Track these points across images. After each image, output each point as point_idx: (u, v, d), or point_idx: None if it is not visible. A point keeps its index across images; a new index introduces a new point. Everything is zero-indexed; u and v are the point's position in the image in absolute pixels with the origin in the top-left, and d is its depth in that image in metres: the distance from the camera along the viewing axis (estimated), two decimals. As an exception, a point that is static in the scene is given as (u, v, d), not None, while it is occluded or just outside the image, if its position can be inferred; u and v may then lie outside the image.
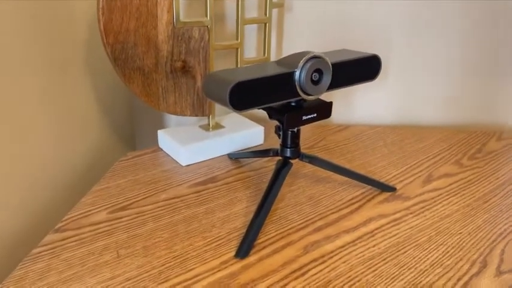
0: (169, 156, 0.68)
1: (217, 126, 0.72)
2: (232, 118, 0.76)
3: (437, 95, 0.82)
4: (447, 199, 0.57)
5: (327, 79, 0.48)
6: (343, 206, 0.55)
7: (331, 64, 0.48)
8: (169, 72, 0.62)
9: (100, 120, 0.74)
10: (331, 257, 0.46)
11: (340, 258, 0.45)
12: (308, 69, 0.46)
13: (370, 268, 0.44)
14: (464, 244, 0.48)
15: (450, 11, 0.75)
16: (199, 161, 0.67)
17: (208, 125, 0.71)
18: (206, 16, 0.62)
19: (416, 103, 0.83)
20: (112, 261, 0.45)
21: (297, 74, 0.46)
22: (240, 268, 0.44)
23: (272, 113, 0.50)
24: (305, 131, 0.79)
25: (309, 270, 0.44)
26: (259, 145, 0.73)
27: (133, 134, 0.89)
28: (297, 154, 0.54)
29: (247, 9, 0.72)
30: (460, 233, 0.50)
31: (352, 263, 0.45)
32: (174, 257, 0.45)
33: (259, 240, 0.48)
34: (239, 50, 0.68)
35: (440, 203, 0.56)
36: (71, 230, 0.50)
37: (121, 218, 0.52)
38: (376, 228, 0.50)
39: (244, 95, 0.43)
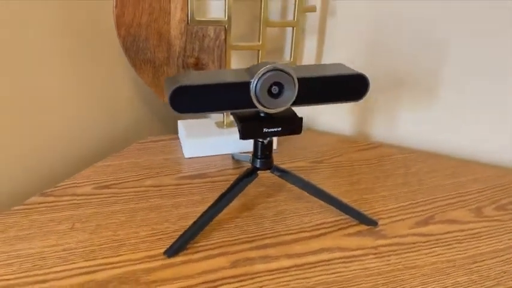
0: (180, 146, 0.71)
1: (233, 124, 0.73)
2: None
3: (506, 127, 0.69)
4: (430, 248, 0.49)
5: (289, 94, 0.45)
6: (307, 229, 0.52)
7: (298, 79, 0.45)
8: (181, 67, 0.65)
9: (139, 101, 0.80)
10: (253, 278, 0.44)
11: (261, 281, 0.43)
12: (264, 81, 0.44)
13: (285, 300, 0.41)
14: (411, 303, 0.41)
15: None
16: (202, 155, 0.68)
17: (223, 122, 0.72)
18: (224, 16, 0.63)
19: (472, 131, 0.71)
20: (64, 231, 0.50)
21: (252, 85, 0.44)
22: (159, 266, 0.45)
23: (235, 120, 0.49)
24: (324, 143, 0.74)
25: (221, 285, 0.43)
26: (275, 149, 0.72)
27: (175, 118, 0.95)
28: (268, 166, 0.52)
29: (281, 11, 0.71)
30: (417, 290, 0.43)
31: (270, 290, 0.42)
32: (114, 241, 0.48)
33: (198, 244, 0.48)
34: (260, 52, 0.67)
35: (418, 250, 0.48)
36: (54, 196, 0.56)
37: (99, 195, 0.57)
38: (324, 261, 0.46)
39: (187, 99, 0.43)
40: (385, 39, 0.72)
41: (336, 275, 0.44)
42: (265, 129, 0.48)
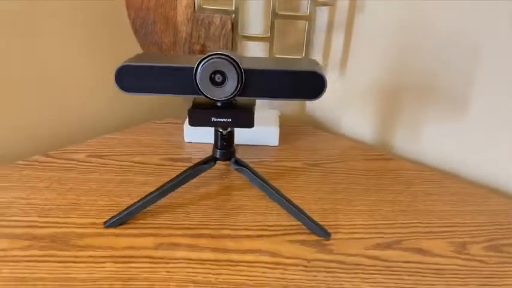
0: (186, 130, 0.73)
1: (239, 115, 0.72)
2: (266, 113, 0.74)
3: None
4: (371, 274, 0.43)
5: (232, 83, 0.44)
6: (252, 227, 0.49)
7: (246, 70, 0.44)
8: (188, 53, 0.66)
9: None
10: (166, 263, 0.43)
11: (170, 267, 0.43)
12: (205, 68, 0.43)
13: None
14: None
15: None
16: (202, 141, 0.69)
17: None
18: (232, 5, 0.63)
19: (495, 155, 0.60)
20: (40, 188, 0.55)
21: (194, 71, 0.44)
22: (93, 233, 0.47)
23: (189, 106, 0.49)
24: (336, 146, 0.70)
25: (131, 262, 0.43)
26: (273, 146, 0.70)
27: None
28: (227, 157, 0.51)
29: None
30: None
31: (174, 276, 0.42)
32: (72, 203, 0.52)
33: (139, 221, 0.50)
34: (270, 44, 0.66)
35: (355, 274, 0.43)
36: (52, 157, 0.63)
37: (88, 162, 0.62)
38: (246, 262, 0.44)
39: (131, 78, 0.45)
40: (415, 43, 0.64)
41: (248, 278, 0.42)
42: (213, 119, 0.47)
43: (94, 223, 0.49)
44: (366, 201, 0.55)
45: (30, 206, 0.51)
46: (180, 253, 0.45)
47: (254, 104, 0.48)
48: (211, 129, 0.68)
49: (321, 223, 0.49)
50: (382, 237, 0.49)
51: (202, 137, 0.69)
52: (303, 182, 0.59)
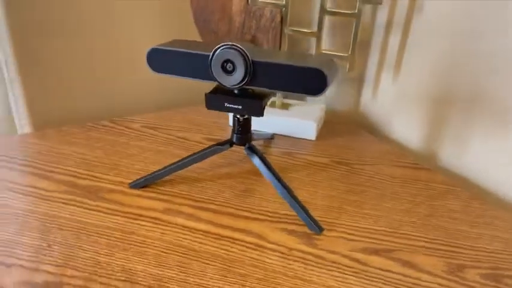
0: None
1: (284, 106, 0.75)
2: (310, 107, 0.76)
3: None
4: (345, 274, 0.43)
5: (240, 72, 0.47)
6: (253, 210, 0.53)
7: (254, 61, 0.47)
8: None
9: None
10: (165, 225, 0.49)
11: (166, 229, 0.48)
12: (217, 56, 0.47)
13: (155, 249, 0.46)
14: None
15: None
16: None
17: (275, 102, 0.75)
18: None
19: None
20: (95, 147, 0.65)
21: (209, 58, 0.48)
22: (119, 191, 0.55)
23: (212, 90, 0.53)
24: (373, 149, 0.68)
25: (138, 219, 0.50)
26: (310, 140, 0.71)
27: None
28: (242, 142, 0.55)
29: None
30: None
31: (165, 237, 0.47)
32: (113, 163, 0.61)
33: (160, 187, 0.56)
34: (317, 39, 0.67)
35: (330, 270, 0.44)
36: (115, 124, 0.73)
37: (140, 131, 0.71)
38: (231, 238, 0.48)
39: (159, 60, 0.51)
40: (470, 51, 0.59)
41: (226, 252, 0.46)
42: (226, 104, 0.51)
43: (123, 182, 0.57)
44: (378, 207, 0.54)
45: (81, 160, 0.62)
46: (180, 220, 0.51)
47: (267, 96, 0.51)
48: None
49: (319, 219, 0.51)
50: (375, 242, 0.48)
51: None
52: (322, 178, 0.60)
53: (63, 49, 0.71)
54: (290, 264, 0.45)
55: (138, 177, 0.57)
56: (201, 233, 0.49)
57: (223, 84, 0.49)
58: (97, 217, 0.50)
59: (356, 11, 0.63)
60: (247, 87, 0.49)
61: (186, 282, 0.42)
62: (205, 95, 0.51)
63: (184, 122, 0.75)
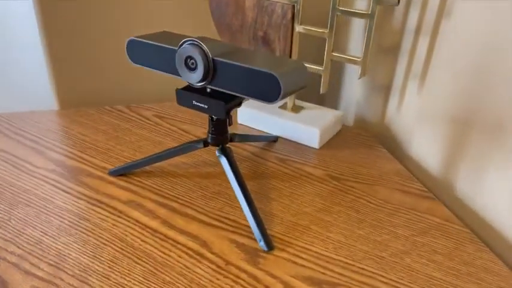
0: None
1: (295, 109, 0.70)
2: (322, 112, 0.70)
3: None
4: (271, 302, 0.39)
5: (200, 70, 0.45)
6: (212, 214, 0.50)
7: (215, 60, 0.44)
8: (252, 38, 0.67)
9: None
10: (118, 217, 0.49)
11: (116, 220, 0.48)
12: (180, 52, 0.46)
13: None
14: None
15: None
16: (251, 125, 0.71)
17: (286, 103, 0.70)
18: (294, -6, 0.61)
19: None
20: (100, 130, 0.68)
21: (175, 53, 0.46)
22: (96, 175, 0.57)
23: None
24: (381, 168, 0.61)
25: (99, 207, 0.51)
26: (312, 147, 0.66)
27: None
28: (216, 143, 0.53)
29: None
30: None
31: (114, 229, 0.47)
32: (106, 148, 0.63)
33: (134, 177, 0.56)
34: (328, 39, 0.61)
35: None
36: (129, 110, 0.75)
37: (148, 119, 0.72)
38: (172, 240, 0.46)
39: (136, 51, 0.50)
40: (499, 69, 0.49)
41: (162, 255, 0.44)
42: (194, 102, 0.49)
43: (105, 168, 0.58)
44: (349, 233, 0.49)
45: (80, 141, 0.64)
46: (135, 213, 0.50)
47: (236, 98, 0.48)
48: (263, 115, 0.70)
49: (278, 236, 0.47)
50: (323, 273, 0.43)
51: (254, 121, 0.71)
52: (304, 192, 0.56)
53: (91, 37, 0.74)
54: (218, 280, 0.42)
55: (121, 164, 0.58)
56: (149, 230, 0.48)
57: (187, 81, 0.47)
58: (64, 198, 0.52)
59: (369, 11, 0.56)
60: (211, 87, 0.46)
61: (108, 279, 0.41)
62: (176, 90, 0.50)
63: (194, 114, 0.75)
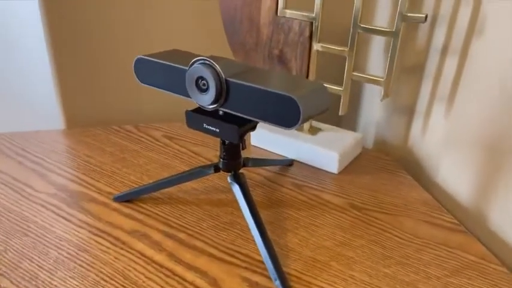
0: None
1: (312, 131, 0.66)
2: (342, 135, 0.66)
3: None
4: None
5: (211, 92, 0.41)
6: (223, 247, 0.46)
7: (228, 81, 0.40)
8: (267, 57, 0.64)
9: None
10: (121, 249, 0.45)
11: (121, 254, 0.44)
12: (190, 72, 0.42)
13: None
14: None
15: None
16: (265, 148, 0.67)
17: (303, 127, 0.66)
18: (313, 11, 0.57)
19: None
20: (106, 151, 0.64)
21: (185, 73, 0.43)
22: (99, 201, 0.53)
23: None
24: (403, 195, 0.56)
25: (100, 237, 0.47)
26: (331, 172, 0.61)
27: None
28: (227, 169, 0.49)
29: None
30: None
31: (116, 264, 0.43)
32: (112, 171, 0.59)
33: (141, 204, 0.53)
34: (348, 58, 0.57)
35: None
36: (137, 130, 0.72)
37: (156, 140, 0.68)
38: (179, 277, 0.42)
39: (144, 70, 0.47)
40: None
41: (153, 285, 0.40)
42: (205, 125, 0.46)
43: (110, 193, 0.55)
44: (374, 272, 0.44)
45: (85, 163, 0.61)
46: (140, 245, 0.46)
47: (250, 122, 0.44)
48: (278, 137, 0.66)
49: (294, 274, 0.43)
50: (347, 319, 0.38)
51: (268, 143, 0.67)
52: (324, 222, 0.51)
53: (100, 53, 0.71)
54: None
55: (127, 189, 0.54)
56: (155, 265, 0.44)
57: (198, 103, 0.43)
58: (64, 227, 0.48)
59: (394, 29, 0.53)
60: (223, 109, 0.42)
61: (107, 321, 0.37)
62: (186, 112, 0.46)
63: (205, 135, 0.71)
